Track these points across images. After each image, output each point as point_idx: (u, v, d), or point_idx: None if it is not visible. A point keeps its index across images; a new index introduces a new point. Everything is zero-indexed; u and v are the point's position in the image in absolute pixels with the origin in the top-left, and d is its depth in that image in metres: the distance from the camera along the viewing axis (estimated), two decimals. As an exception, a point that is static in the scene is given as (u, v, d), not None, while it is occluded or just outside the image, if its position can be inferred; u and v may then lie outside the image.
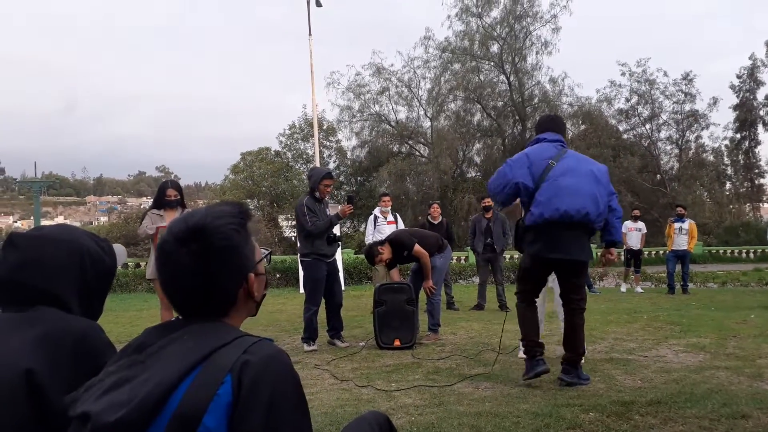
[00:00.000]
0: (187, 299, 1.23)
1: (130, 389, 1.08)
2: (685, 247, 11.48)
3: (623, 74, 33.51)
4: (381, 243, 6.18)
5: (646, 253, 14.54)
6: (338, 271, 6.13)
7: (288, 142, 33.13)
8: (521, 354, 4.37)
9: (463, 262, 18.29)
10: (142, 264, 15.53)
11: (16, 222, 79.65)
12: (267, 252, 1.39)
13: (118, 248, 1.75)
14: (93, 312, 1.56)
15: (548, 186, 3.85)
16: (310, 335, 5.83)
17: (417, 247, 6.00)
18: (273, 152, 32.74)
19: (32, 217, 22.23)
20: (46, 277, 1.45)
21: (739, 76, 35.92)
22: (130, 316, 9.38)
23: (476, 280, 11.00)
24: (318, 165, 14.81)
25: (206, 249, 1.20)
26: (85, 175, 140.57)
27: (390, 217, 8.95)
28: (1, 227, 67.34)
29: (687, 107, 33.66)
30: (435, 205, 9.61)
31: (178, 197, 5.80)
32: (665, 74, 33.27)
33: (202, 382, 1.08)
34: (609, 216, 4.13)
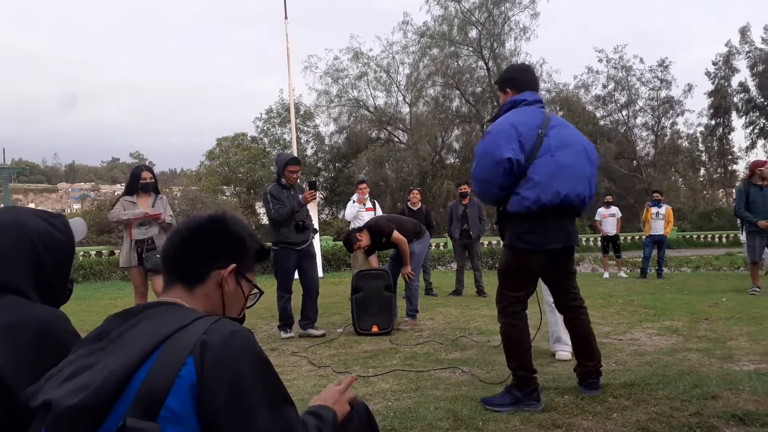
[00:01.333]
0: (169, 257, 1.34)
1: (89, 375, 1.07)
2: (662, 232, 11.63)
3: (600, 61, 33.87)
4: (359, 230, 6.15)
5: (621, 238, 14.67)
6: (314, 258, 5.94)
7: (265, 128, 32.78)
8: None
9: (441, 248, 18.35)
10: (116, 252, 15.31)
11: (-14, 209, 77.92)
12: (258, 293, 1.48)
13: (76, 222, 1.68)
14: (56, 296, 1.50)
15: (544, 163, 3.09)
16: (286, 322, 5.79)
17: (395, 233, 5.99)
18: (249, 138, 32.40)
19: (1, 205, 21.74)
20: None
21: (714, 63, 36.45)
22: (104, 304, 9.24)
23: (454, 266, 11.04)
24: (295, 151, 14.69)
25: (217, 225, 1.36)
26: (57, 162, 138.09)
27: (368, 204, 8.92)
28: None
29: (663, 94, 34.11)
30: (415, 192, 9.61)
31: (153, 180, 5.71)
32: (641, 61, 33.69)
33: (162, 365, 1.07)
34: None
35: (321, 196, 31.49)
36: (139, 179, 5.65)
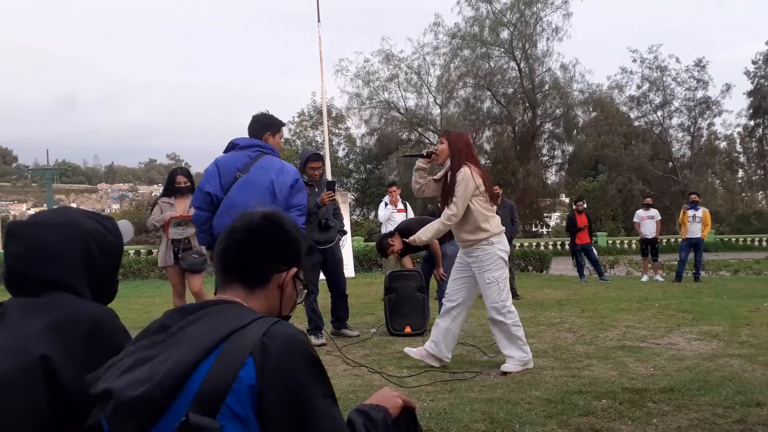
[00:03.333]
0: (229, 258, 1.34)
1: (150, 367, 1.10)
2: (699, 235, 11.36)
3: (634, 61, 33.17)
4: (390, 234, 6.15)
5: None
6: (340, 259, 5.88)
7: (297, 130, 33.13)
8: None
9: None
10: (155, 251, 15.63)
11: (29, 209, 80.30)
12: (306, 291, 1.48)
13: (123, 225, 1.71)
14: (104, 293, 1.54)
15: (225, 200, 3.66)
16: (315, 325, 5.62)
17: None
18: (283, 140, 32.77)
19: (45, 205, 22.40)
20: (49, 265, 1.43)
21: (754, 62, 35.41)
22: (143, 302, 9.45)
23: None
24: (327, 152, 14.79)
25: (276, 235, 1.35)
26: (97, 163, 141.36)
27: (400, 206, 8.93)
28: (15, 215, 67.97)
29: (699, 94, 33.31)
30: None
31: (188, 184, 5.80)
32: (677, 60, 32.93)
33: (223, 364, 1.08)
34: None
35: (352, 197, 31.62)
36: (174, 182, 5.76)
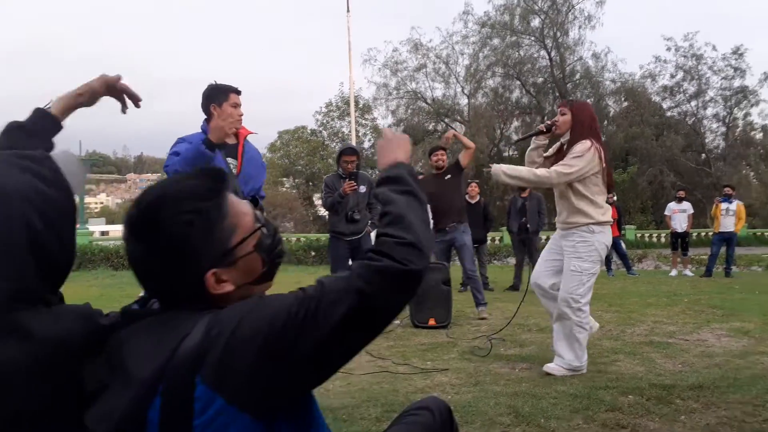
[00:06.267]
0: (147, 286, 1.11)
1: (108, 399, 1.00)
2: (732, 229, 11.12)
3: (669, 49, 32.39)
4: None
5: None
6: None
7: (324, 121, 33.21)
8: None
9: (497, 242, 18.14)
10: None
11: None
12: (259, 225, 1.12)
13: (64, 157, 1.23)
14: (61, 272, 1.12)
15: None
16: None
17: None
18: (309, 131, 32.89)
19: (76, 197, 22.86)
20: None
21: (793, 50, 34.31)
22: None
23: (511, 260, 10.92)
24: (354, 143, 14.83)
25: (152, 246, 1.04)
26: (126, 153, 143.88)
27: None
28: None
29: (736, 83, 32.31)
30: (473, 185, 9.53)
31: None
32: (714, 48, 32.05)
33: (171, 398, 0.95)
34: None
35: (378, 188, 31.62)
36: None
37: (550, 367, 3.84)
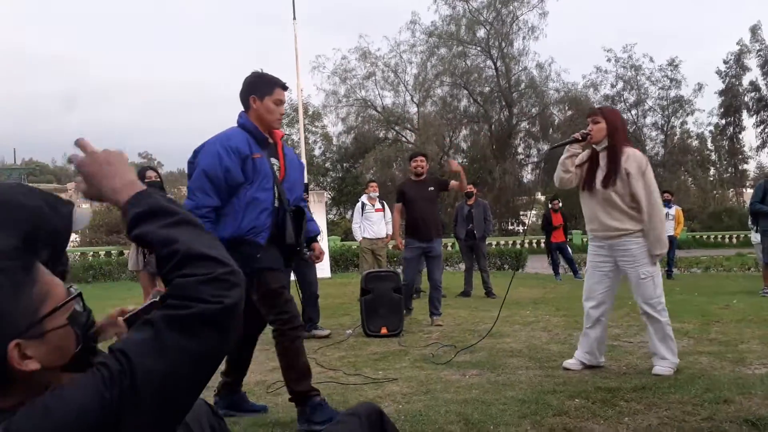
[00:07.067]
0: None
1: None
2: (672, 233, 11.56)
3: (609, 60, 33.64)
4: None
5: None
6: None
7: (273, 128, 32.84)
8: None
9: (449, 249, 18.32)
10: (126, 252, 15.41)
11: (-3, 209, 78.37)
12: (73, 295, 0.98)
13: (82, 214, 1.23)
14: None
15: None
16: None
17: None
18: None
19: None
20: None
21: (725, 62, 36.12)
22: (112, 304, 9.23)
23: (462, 266, 11.05)
24: (303, 151, 14.73)
25: None
26: (66, 162, 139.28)
27: (377, 205, 8.88)
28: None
29: (672, 93, 33.90)
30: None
31: (159, 180, 5.79)
32: (651, 60, 33.51)
33: None
34: None
35: (329, 196, 31.53)
36: (144, 179, 5.71)
37: (660, 369, 3.84)
